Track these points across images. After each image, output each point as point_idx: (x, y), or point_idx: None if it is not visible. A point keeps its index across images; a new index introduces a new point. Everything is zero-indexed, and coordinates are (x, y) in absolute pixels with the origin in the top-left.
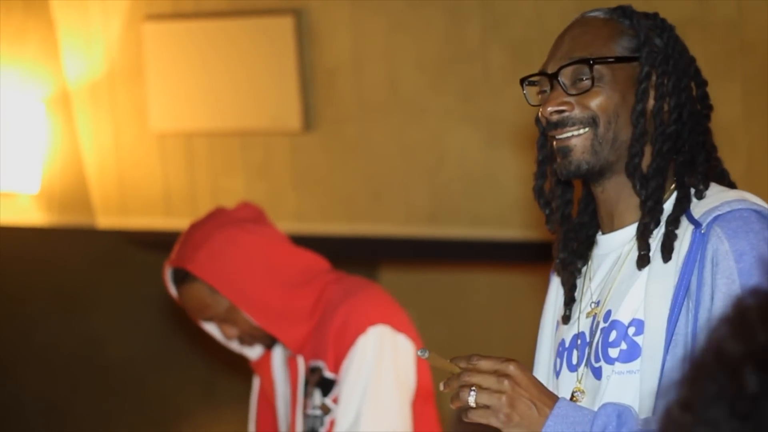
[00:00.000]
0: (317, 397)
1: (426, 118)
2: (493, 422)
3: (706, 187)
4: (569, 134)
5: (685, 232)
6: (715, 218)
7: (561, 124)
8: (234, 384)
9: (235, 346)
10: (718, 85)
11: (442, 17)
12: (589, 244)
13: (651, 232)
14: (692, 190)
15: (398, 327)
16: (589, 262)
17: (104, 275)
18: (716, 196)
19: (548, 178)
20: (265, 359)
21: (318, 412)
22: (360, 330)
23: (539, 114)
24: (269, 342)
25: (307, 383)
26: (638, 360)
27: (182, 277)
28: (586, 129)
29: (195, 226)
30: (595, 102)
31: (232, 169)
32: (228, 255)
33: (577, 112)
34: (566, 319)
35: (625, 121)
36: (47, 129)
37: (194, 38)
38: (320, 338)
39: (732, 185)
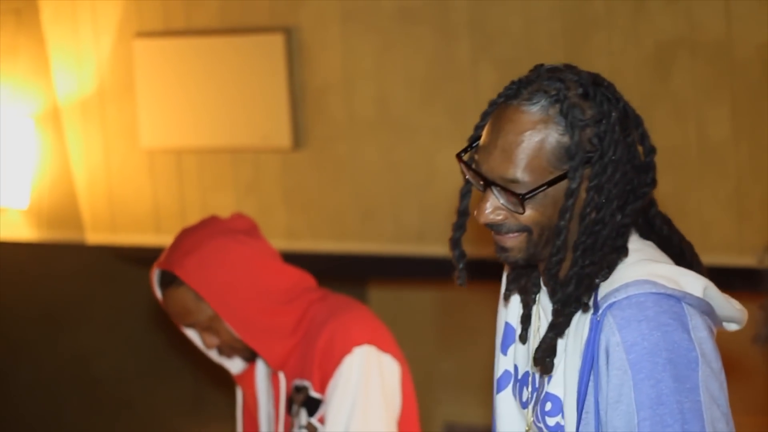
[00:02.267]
0: (303, 416)
1: (415, 137)
2: None
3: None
4: (504, 237)
5: (587, 316)
6: (610, 306)
7: (495, 228)
8: (222, 400)
9: (214, 355)
10: (708, 105)
11: (432, 36)
12: (536, 281)
13: (554, 344)
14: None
15: (383, 347)
16: (538, 305)
17: (93, 291)
18: (622, 272)
19: (467, 230)
20: (249, 373)
21: (304, 431)
22: (345, 350)
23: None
24: (248, 355)
25: (293, 402)
26: None
27: (169, 280)
28: (522, 235)
29: (187, 232)
30: (527, 217)
31: (222, 186)
32: (217, 264)
33: (510, 222)
34: (524, 338)
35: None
36: (37, 145)
37: (184, 55)
38: (305, 357)
39: (677, 236)
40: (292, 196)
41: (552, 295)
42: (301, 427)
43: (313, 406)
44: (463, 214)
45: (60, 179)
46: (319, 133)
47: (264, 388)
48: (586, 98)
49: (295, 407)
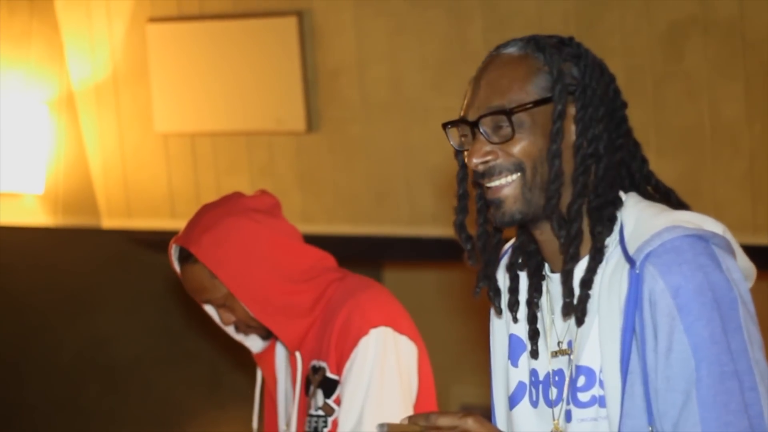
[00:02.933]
0: (320, 397)
1: (429, 118)
2: None
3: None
4: (497, 183)
5: (622, 271)
6: (647, 255)
7: (488, 174)
8: (239, 383)
9: (231, 332)
10: (721, 84)
11: (445, 18)
12: (540, 274)
13: (571, 277)
14: (617, 227)
15: (400, 329)
16: (548, 296)
17: (109, 275)
18: (647, 224)
19: (469, 213)
20: (269, 352)
21: (321, 412)
22: (362, 332)
23: (464, 160)
24: (265, 333)
25: (309, 383)
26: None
27: (186, 256)
28: (514, 176)
29: (207, 208)
30: (518, 149)
31: (237, 169)
32: (232, 243)
33: (502, 161)
34: (535, 354)
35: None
36: (52, 130)
37: (198, 39)
38: (322, 338)
39: (674, 195)
40: (306, 179)
41: (558, 230)
42: (317, 408)
43: (329, 387)
44: (463, 198)
45: (75, 164)
46: (332, 116)
47: (283, 368)
48: (562, 44)
49: (311, 388)
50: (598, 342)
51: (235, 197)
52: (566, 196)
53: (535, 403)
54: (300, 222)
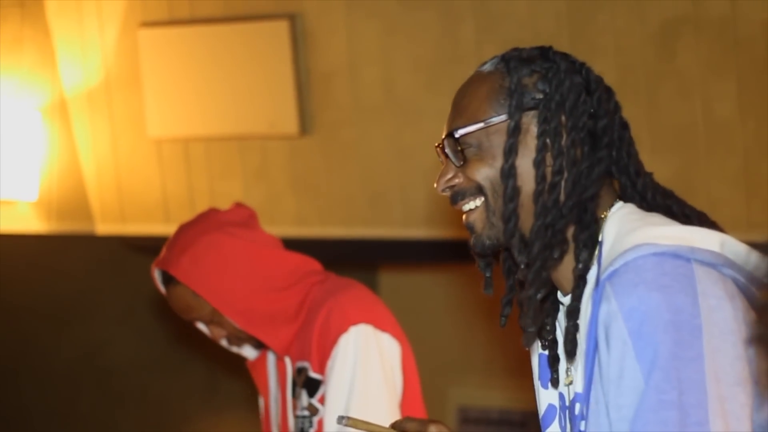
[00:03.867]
0: (304, 397)
1: (422, 120)
2: None
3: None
4: (465, 207)
5: (591, 293)
6: (609, 275)
7: (453, 199)
8: (236, 388)
9: (225, 345)
10: (713, 82)
11: (437, 19)
12: (552, 299)
13: (534, 304)
14: (599, 248)
15: (381, 326)
16: (559, 317)
17: (104, 281)
18: (621, 242)
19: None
20: (261, 360)
21: (306, 413)
22: (341, 329)
23: None
24: (257, 343)
25: (294, 384)
26: None
27: (169, 277)
28: (478, 201)
29: (182, 229)
30: (476, 172)
31: (230, 174)
32: (210, 260)
33: (464, 184)
34: (555, 382)
35: (513, 188)
36: (45, 137)
37: (190, 44)
38: (304, 339)
39: (677, 205)
40: (300, 183)
41: (518, 255)
42: (303, 408)
43: (313, 386)
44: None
45: (68, 171)
46: (325, 119)
47: (273, 374)
48: (540, 56)
49: (297, 389)
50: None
51: (211, 213)
52: (530, 218)
53: (564, 429)
54: (294, 225)
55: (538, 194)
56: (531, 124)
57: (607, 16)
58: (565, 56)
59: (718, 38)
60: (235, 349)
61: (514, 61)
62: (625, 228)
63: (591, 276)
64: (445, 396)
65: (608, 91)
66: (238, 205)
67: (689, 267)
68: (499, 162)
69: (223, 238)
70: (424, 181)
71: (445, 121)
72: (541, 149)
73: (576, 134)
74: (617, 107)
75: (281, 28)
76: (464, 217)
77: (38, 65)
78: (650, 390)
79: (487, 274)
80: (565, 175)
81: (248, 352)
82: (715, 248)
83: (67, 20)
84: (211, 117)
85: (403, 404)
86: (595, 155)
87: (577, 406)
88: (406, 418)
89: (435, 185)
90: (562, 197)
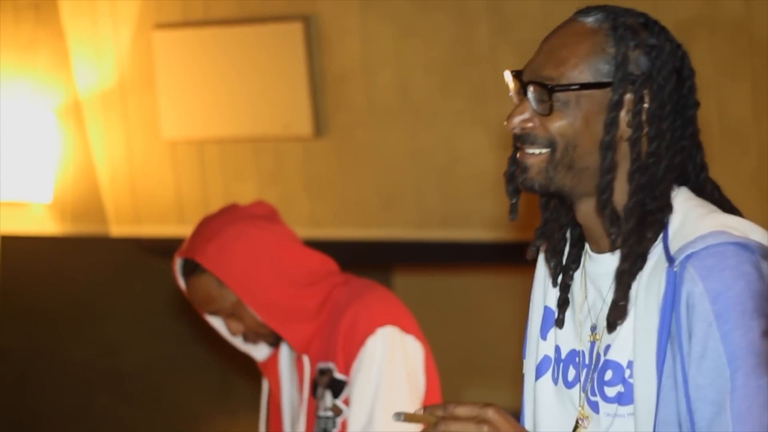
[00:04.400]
0: (328, 398)
1: (436, 122)
2: None
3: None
4: (528, 151)
5: (662, 269)
6: (688, 257)
7: (522, 139)
8: (249, 389)
9: (239, 343)
10: (727, 83)
11: (451, 20)
12: (580, 244)
13: (631, 279)
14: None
15: (406, 328)
16: (583, 271)
17: (118, 283)
18: (693, 225)
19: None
20: (273, 360)
21: (329, 413)
22: (369, 331)
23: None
24: (273, 341)
25: (317, 385)
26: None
27: (191, 268)
28: (544, 150)
29: (207, 220)
30: (555, 126)
31: (244, 175)
32: (238, 250)
33: (538, 132)
34: (560, 323)
35: (587, 149)
36: (59, 139)
37: (204, 46)
38: (329, 340)
39: (727, 203)
40: (314, 184)
41: (610, 227)
42: (326, 409)
43: (337, 387)
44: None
45: (83, 172)
46: (340, 121)
47: (287, 374)
48: (645, 27)
49: (319, 390)
50: (632, 339)
51: (234, 207)
52: (619, 192)
53: (555, 380)
54: (308, 227)
55: (633, 172)
56: (627, 98)
57: None
58: (667, 35)
59: (733, 39)
60: (246, 347)
61: (621, 28)
62: (694, 213)
63: (654, 251)
64: (457, 396)
65: (694, 83)
66: (260, 202)
67: (756, 258)
68: (579, 123)
69: (250, 229)
70: (438, 182)
71: (459, 122)
72: (637, 128)
73: (671, 119)
74: (697, 102)
75: (295, 29)
76: (521, 155)
77: (53, 67)
78: (749, 375)
79: (513, 200)
80: (662, 160)
81: (260, 351)
82: (765, 241)
83: (81, 22)
84: (225, 119)
85: (424, 405)
86: (680, 143)
87: (609, 372)
88: (457, 403)
89: (506, 122)
90: (656, 178)
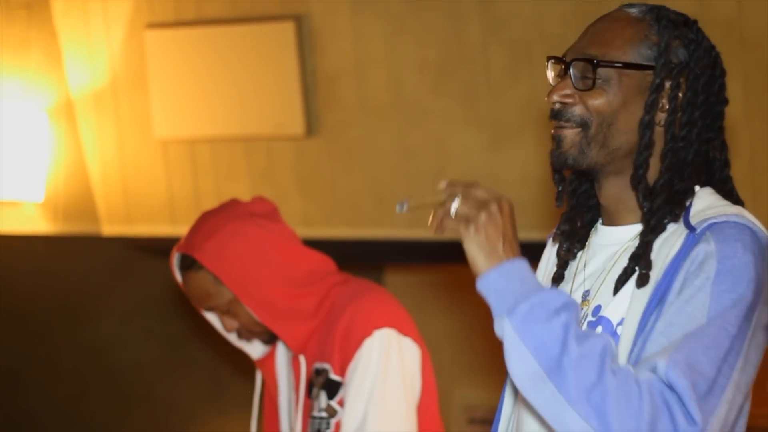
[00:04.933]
0: (323, 399)
1: (428, 121)
2: (462, 231)
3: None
4: (564, 125)
5: (678, 236)
6: (710, 225)
7: (559, 115)
8: (241, 388)
9: (233, 339)
10: None
11: (442, 20)
12: (591, 227)
13: (642, 246)
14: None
15: (403, 330)
16: (586, 248)
17: (110, 282)
18: (717, 209)
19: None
20: (270, 358)
21: (324, 414)
22: (366, 333)
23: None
24: (268, 338)
25: (312, 385)
26: None
27: (188, 264)
28: (577, 129)
29: (207, 215)
30: (595, 102)
31: (236, 175)
32: (236, 247)
33: (575, 109)
34: (559, 278)
35: (621, 128)
36: (52, 138)
37: (196, 45)
38: (326, 340)
39: (740, 202)
40: (306, 184)
41: (643, 200)
42: (320, 409)
43: (333, 388)
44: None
45: (75, 172)
46: (331, 120)
47: (284, 373)
48: (685, 24)
49: (315, 390)
50: (629, 298)
51: (234, 203)
52: (652, 169)
53: None
54: (300, 226)
55: (666, 152)
56: (665, 85)
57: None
58: (704, 34)
59: (724, 39)
60: (241, 343)
61: (665, 20)
62: (719, 202)
63: (671, 226)
64: (450, 396)
65: (725, 81)
66: (261, 198)
67: (764, 250)
68: (617, 102)
69: (249, 227)
70: (430, 181)
71: (451, 122)
72: (672, 112)
73: (703, 109)
74: (726, 99)
75: (287, 29)
76: (556, 130)
77: (45, 66)
78: (718, 319)
79: (560, 188)
80: (692, 144)
81: (255, 348)
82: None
83: (73, 21)
84: (217, 118)
85: (420, 408)
86: (708, 133)
87: (599, 328)
88: (478, 185)
89: (548, 97)
90: (686, 160)
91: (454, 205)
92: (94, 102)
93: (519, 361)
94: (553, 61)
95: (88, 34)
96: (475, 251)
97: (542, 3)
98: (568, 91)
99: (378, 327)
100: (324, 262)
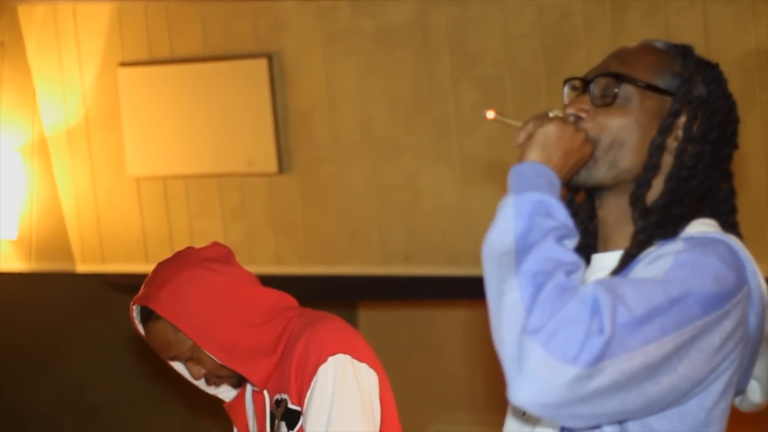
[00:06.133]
0: (284, 429)
1: (400, 157)
2: (545, 121)
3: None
4: None
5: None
6: (687, 237)
7: None
8: (215, 426)
9: (203, 385)
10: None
11: (413, 56)
12: (587, 252)
13: (631, 263)
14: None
15: (359, 356)
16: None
17: (84, 320)
18: (704, 232)
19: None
20: (239, 400)
21: None
22: (320, 360)
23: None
24: (236, 382)
25: (274, 417)
26: None
27: (148, 315)
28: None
29: (161, 266)
30: (609, 121)
31: (209, 211)
32: (190, 294)
33: (587, 125)
34: None
35: (633, 149)
36: (25, 175)
37: (169, 82)
38: (283, 371)
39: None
40: (279, 220)
41: (638, 217)
42: None
43: (292, 418)
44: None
45: (48, 209)
46: (304, 157)
47: (251, 410)
48: (707, 65)
49: (276, 422)
50: None
51: (188, 251)
52: (654, 191)
53: None
54: (273, 263)
55: (671, 176)
56: (683, 112)
57: (581, 52)
58: (724, 79)
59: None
60: (212, 390)
61: (690, 55)
62: (710, 229)
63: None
64: (422, 428)
65: (737, 128)
66: (216, 243)
67: (745, 274)
68: (630, 123)
69: (202, 272)
70: (402, 217)
71: (423, 158)
72: (684, 140)
73: (714, 146)
74: (737, 144)
75: (260, 66)
76: None
77: (18, 104)
78: (664, 283)
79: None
80: (697, 175)
81: (225, 392)
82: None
83: (47, 60)
84: (190, 155)
85: None
86: (713, 171)
87: None
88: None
89: (565, 108)
90: (687, 189)
91: (554, 111)
92: (68, 139)
93: (500, 235)
94: (569, 85)
95: (62, 71)
96: (539, 142)
97: (512, 40)
98: (585, 106)
99: (332, 353)
100: (282, 299)
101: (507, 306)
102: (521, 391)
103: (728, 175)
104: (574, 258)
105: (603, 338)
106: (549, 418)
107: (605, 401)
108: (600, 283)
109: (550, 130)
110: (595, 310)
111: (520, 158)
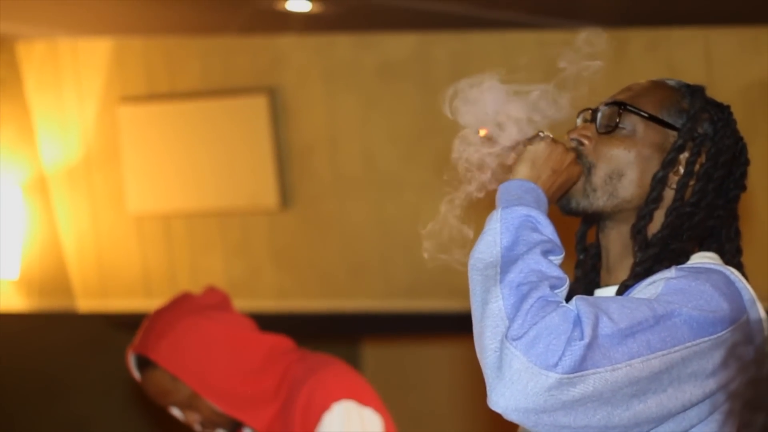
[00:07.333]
0: None
1: (401, 192)
2: (535, 141)
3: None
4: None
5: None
6: (683, 267)
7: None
8: None
9: (199, 429)
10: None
11: (414, 91)
12: (592, 287)
13: (622, 288)
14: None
15: (364, 401)
16: None
17: (85, 359)
18: (702, 262)
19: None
20: None
21: None
22: (324, 407)
23: None
24: (231, 428)
25: None
26: None
27: (145, 363)
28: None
29: (159, 313)
30: (610, 151)
31: (211, 248)
32: (190, 344)
33: (586, 152)
34: None
35: (633, 180)
36: (25, 214)
37: (169, 119)
38: (287, 417)
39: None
40: (280, 256)
41: (638, 250)
42: None
43: None
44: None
45: (49, 248)
46: (305, 192)
47: None
48: (717, 105)
49: None
50: None
51: (185, 297)
52: (655, 224)
53: None
54: (275, 299)
55: (672, 210)
56: (684, 152)
57: (586, 87)
58: (734, 120)
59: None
60: None
61: (699, 93)
62: (706, 261)
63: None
64: None
65: (746, 171)
66: (212, 289)
67: (743, 303)
68: (630, 154)
69: (202, 321)
70: (404, 252)
71: (425, 192)
72: (686, 175)
73: (718, 183)
74: (745, 186)
75: (260, 102)
76: None
77: (18, 142)
78: (650, 302)
79: (581, 257)
80: (698, 212)
81: None
82: (762, 316)
83: (46, 97)
84: (191, 192)
85: None
86: (717, 210)
87: None
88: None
89: (569, 135)
90: (688, 225)
91: (544, 132)
92: (68, 177)
93: (486, 247)
94: (582, 117)
95: (62, 108)
96: (528, 159)
97: (513, 73)
98: (588, 133)
99: (336, 399)
100: (280, 343)
101: (490, 314)
102: (502, 397)
103: (734, 216)
104: (560, 273)
105: (583, 344)
106: (531, 426)
107: (589, 412)
108: (583, 298)
109: (539, 149)
110: (577, 322)
111: (512, 175)
